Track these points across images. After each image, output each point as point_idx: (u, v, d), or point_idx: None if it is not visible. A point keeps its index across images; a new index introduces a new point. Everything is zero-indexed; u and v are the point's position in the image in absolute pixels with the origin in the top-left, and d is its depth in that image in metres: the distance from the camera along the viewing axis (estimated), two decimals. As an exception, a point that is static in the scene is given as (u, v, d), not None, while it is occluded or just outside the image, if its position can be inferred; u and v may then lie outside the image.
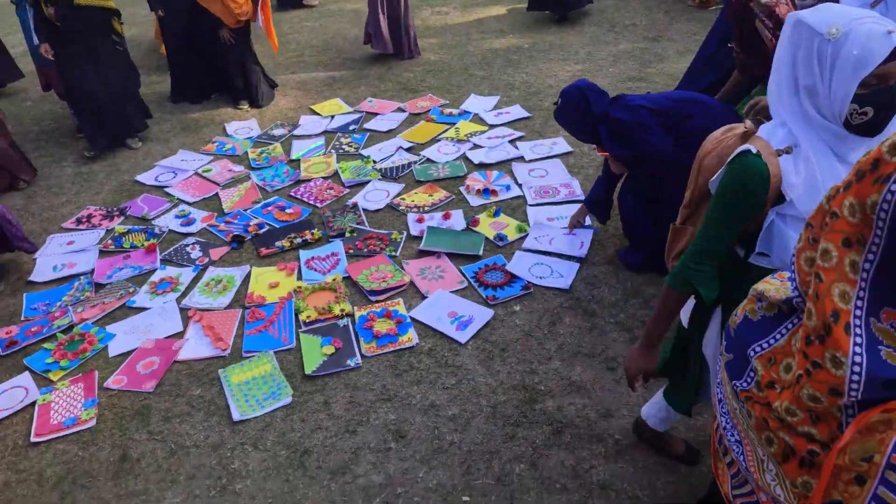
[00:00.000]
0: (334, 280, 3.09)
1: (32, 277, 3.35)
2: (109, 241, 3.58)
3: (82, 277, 3.34)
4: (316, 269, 3.22)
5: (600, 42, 5.77)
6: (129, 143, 4.57)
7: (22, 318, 3.09)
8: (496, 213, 3.48)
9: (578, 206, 3.36)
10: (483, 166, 3.98)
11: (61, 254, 3.52)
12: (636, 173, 2.85)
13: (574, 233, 3.27)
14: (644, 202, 2.87)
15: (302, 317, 2.90)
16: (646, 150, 2.59)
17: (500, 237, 3.29)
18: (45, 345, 2.89)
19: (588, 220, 3.34)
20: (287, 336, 2.82)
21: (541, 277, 3.01)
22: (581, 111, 2.69)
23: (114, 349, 2.85)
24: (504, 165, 3.97)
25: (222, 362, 2.73)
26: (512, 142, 4.22)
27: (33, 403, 2.62)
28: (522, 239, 3.29)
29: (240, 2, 4.65)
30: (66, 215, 3.86)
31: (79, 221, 3.79)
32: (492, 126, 4.47)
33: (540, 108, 4.63)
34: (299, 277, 3.19)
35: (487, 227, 3.40)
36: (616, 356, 2.58)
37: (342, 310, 2.91)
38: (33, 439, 2.44)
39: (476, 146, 4.22)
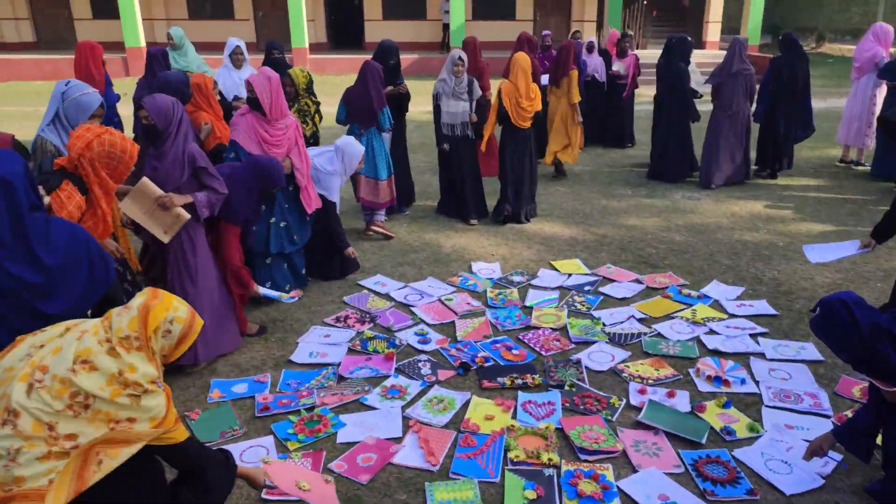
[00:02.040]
0: (547, 428, 3.15)
1: (292, 357, 3.89)
2: (357, 342, 4.06)
3: (329, 367, 3.80)
4: (531, 413, 3.32)
5: (870, 255, 5.39)
6: None
7: (277, 389, 3.59)
8: (726, 405, 3.31)
9: (823, 421, 3.06)
10: (717, 353, 3.86)
11: (318, 343, 4.07)
12: None
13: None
14: None
15: (511, 454, 2.97)
16: None
17: (728, 431, 3.11)
18: (291, 417, 3.30)
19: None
20: (493, 469, 2.90)
21: (777, 473, 2.80)
22: (845, 327, 2.43)
23: (342, 436, 3.17)
24: (741, 358, 3.80)
25: (430, 476, 2.88)
26: (753, 336, 4.05)
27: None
28: (752, 439, 3.07)
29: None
30: (328, 312, 4.48)
31: (337, 320, 4.37)
32: (732, 315, 4.34)
33: (790, 309, 4.41)
34: (514, 416, 3.30)
35: (714, 416, 3.24)
36: None
37: (550, 459, 2.94)
38: (264, 495, 2.75)
39: (712, 332, 4.12)
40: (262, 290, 4.09)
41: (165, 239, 3.56)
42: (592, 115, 8.82)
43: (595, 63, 9.03)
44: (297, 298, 4.27)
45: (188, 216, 3.54)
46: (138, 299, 1.93)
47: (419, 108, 9.52)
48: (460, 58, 5.95)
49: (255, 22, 20.25)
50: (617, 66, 9.13)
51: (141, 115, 3.53)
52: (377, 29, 19.39)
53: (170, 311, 1.94)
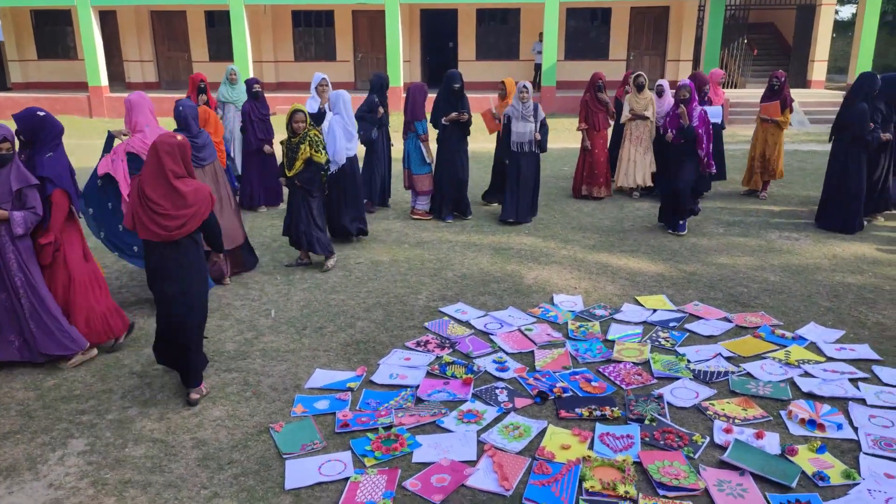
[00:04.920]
0: (625, 461, 3.08)
1: (373, 378, 4.01)
2: (436, 366, 4.13)
3: (408, 389, 3.89)
4: (608, 445, 3.26)
5: None
6: None
7: (357, 408, 3.70)
8: (820, 450, 3.13)
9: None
10: (812, 396, 3.65)
11: (399, 365, 4.17)
12: None
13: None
14: None
15: (586, 485, 2.93)
16: None
17: (822, 476, 2.93)
18: (369, 434, 3.40)
19: None
20: (567, 498, 2.86)
21: None
22: None
23: (417, 456, 3.22)
24: (838, 402, 3.58)
25: (502, 501, 2.88)
26: (853, 381, 3.81)
27: (346, 479, 3.07)
28: (848, 486, 2.88)
29: None
30: (409, 336, 4.59)
31: (418, 344, 4.47)
32: (830, 359, 4.10)
33: (895, 354, 4.11)
34: (591, 447, 3.25)
35: (806, 460, 3.06)
36: None
37: (626, 492, 2.87)
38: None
39: (807, 374, 3.90)
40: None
41: None
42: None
43: (665, 108, 8.18)
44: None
45: None
46: None
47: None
48: (525, 86, 7.13)
49: (354, 63, 21.30)
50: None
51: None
52: (471, 69, 19.87)
53: None
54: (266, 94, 9.25)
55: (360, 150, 6.78)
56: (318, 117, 7.15)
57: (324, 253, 5.90)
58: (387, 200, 8.30)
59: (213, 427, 3.49)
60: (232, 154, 8.74)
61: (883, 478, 2.93)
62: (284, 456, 3.23)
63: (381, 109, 7.62)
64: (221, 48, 19.95)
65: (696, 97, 6.78)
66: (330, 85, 7.55)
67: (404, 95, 8.20)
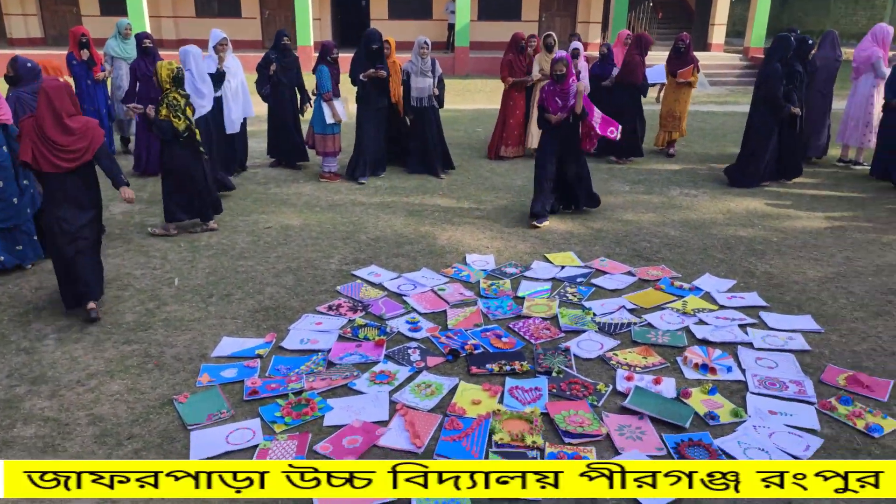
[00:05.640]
0: (532, 412, 3.17)
1: (283, 344, 3.92)
2: (348, 329, 4.09)
3: (320, 353, 3.83)
4: (517, 399, 3.34)
5: (862, 249, 5.40)
6: None
7: (266, 375, 3.62)
8: (711, 392, 3.33)
9: (806, 408, 3.07)
10: (706, 342, 3.87)
11: (310, 330, 4.10)
12: None
13: (800, 435, 2.99)
14: None
15: (496, 437, 3.00)
16: None
17: (712, 416, 3.12)
18: (279, 400, 3.34)
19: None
20: (478, 451, 2.92)
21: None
22: None
23: (328, 420, 3.20)
24: (729, 347, 3.82)
25: (414, 458, 2.91)
26: (742, 326, 4.06)
27: (255, 446, 3.01)
28: (736, 424, 3.09)
29: None
30: (321, 300, 4.51)
31: (330, 308, 4.40)
32: (722, 307, 4.36)
33: (780, 301, 4.42)
34: (500, 401, 3.32)
35: (699, 402, 3.26)
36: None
37: (534, 442, 2.96)
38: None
39: (702, 322, 4.13)
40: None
41: None
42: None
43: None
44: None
45: None
46: None
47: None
48: (426, 42, 7.26)
49: (262, 21, 20.37)
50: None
51: None
52: (383, 28, 19.40)
53: None
54: (164, 53, 8.73)
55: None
56: (218, 78, 6.82)
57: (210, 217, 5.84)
58: (294, 162, 8.08)
59: (111, 402, 3.32)
60: (122, 116, 8.28)
61: (767, 415, 3.16)
62: (189, 427, 3.12)
63: (273, 66, 7.47)
64: (114, 1, 18.53)
65: (573, 71, 6.03)
66: (230, 44, 7.14)
67: (316, 55, 8.06)
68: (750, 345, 3.84)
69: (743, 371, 3.56)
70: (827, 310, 4.30)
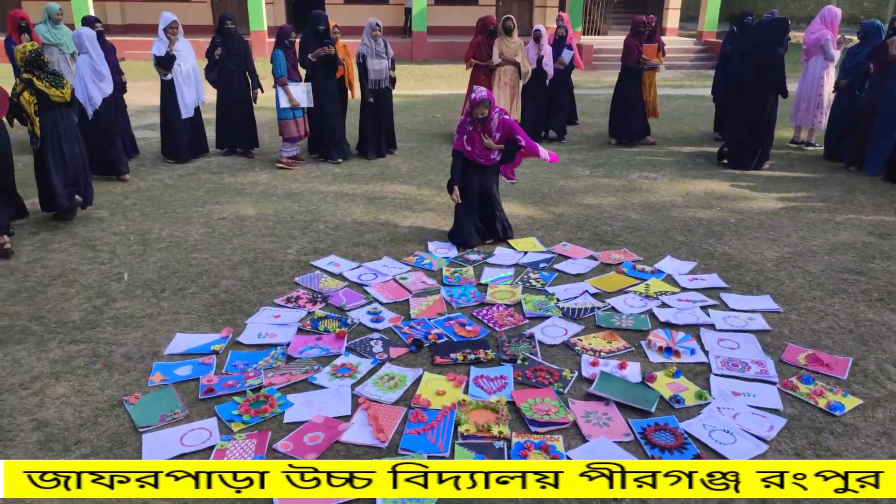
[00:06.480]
0: (498, 401, 3.12)
1: (240, 339, 3.78)
2: (308, 322, 3.97)
3: (278, 348, 3.71)
4: (482, 388, 3.28)
5: (816, 228, 5.50)
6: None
7: (223, 371, 3.48)
8: (676, 374, 3.33)
9: (768, 387, 3.10)
10: (669, 325, 3.88)
11: (267, 324, 3.96)
12: None
13: (764, 415, 3.01)
14: None
15: (461, 429, 2.94)
16: None
17: (677, 399, 3.12)
18: (236, 398, 3.21)
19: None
20: (444, 444, 2.86)
21: (722, 444, 2.80)
22: None
23: (289, 416, 3.09)
24: (692, 329, 3.83)
25: (378, 453, 2.83)
26: (704, 308, 4.08)
27: (212, 447, 2.89)
28: (701, 406, 3.10)
29: None
30: (279, 293, 4.37)
31: (288, 300, 4.27)
32: (684, 289, 4.38)
33: (740, 282, 4.46)
34: (466, 391, 3.26)
35: (664, 385, 3.25)
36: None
37: (500, 432, 2.91)
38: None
39: (665, 305, 4.14)
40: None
41: None
42: (537, 105, 8.44)
43: (544, 54, 8.25)
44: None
45: None
46: None
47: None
48: (377, 24, 7.27)
49: (212, 4, 19.75)
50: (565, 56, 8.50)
51: None
52: (339, 12, 19.07)
53: None
54: (111, 38, 8.36)
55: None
56: (168, 62, 6.56)
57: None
58: (245, 149, 7.88)
59: (57, 406, 3.15)
60: None
61: (730, 395, 3.17)
62: (141, 430, 2.97)
63: (218, 50, 7.34)
64: (54, -16, 17.74)
65: (496, 106, 5.04)
66: (181, 27, 6.99)
67: (270, 40, 7.88)
68: (712, 326, 3.86)
69: (706, 353, 3.57)
70: (785, 289, 4.36)
